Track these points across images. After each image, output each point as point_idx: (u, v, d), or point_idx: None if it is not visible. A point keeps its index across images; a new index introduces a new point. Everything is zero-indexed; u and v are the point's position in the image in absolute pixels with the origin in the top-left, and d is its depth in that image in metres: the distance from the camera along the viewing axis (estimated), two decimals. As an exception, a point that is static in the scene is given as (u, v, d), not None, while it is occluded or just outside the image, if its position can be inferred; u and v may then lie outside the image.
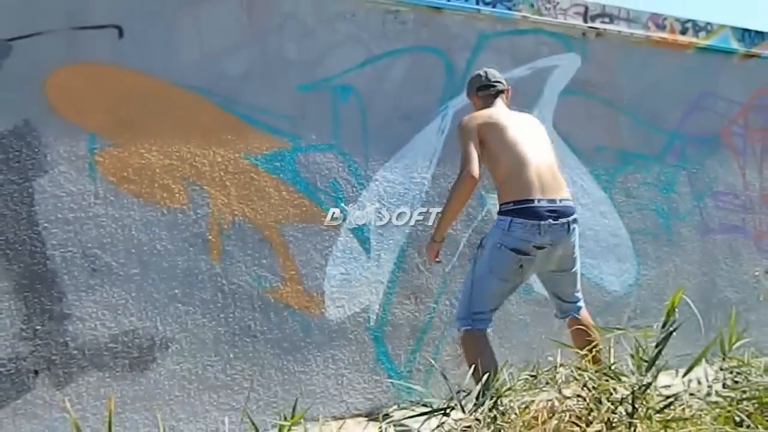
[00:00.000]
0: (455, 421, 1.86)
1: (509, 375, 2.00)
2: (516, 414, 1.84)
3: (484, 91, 2.76)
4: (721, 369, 2.15)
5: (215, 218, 2.69)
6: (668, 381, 1.95)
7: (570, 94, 3.47)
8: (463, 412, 1.86)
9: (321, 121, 2.90)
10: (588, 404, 1.83)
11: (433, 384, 3.00)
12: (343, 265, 2.90)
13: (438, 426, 1.89)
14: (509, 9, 3.32)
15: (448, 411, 1.92)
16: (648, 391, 1.82)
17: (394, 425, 2.25)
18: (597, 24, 3.57)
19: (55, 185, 2.45)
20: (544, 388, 1.93)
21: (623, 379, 1.91)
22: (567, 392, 1.88)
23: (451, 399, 1.93)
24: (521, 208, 2.49)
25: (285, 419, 1.88)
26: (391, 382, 2.92)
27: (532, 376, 2.04)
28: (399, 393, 2.94)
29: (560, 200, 2.55)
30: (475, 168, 2.51)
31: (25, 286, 2.38)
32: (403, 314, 3.00)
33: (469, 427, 1.82)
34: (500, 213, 2.56)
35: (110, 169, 2.53)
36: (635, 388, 1.81)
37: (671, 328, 1.92)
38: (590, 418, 1.79)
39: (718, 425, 1.72)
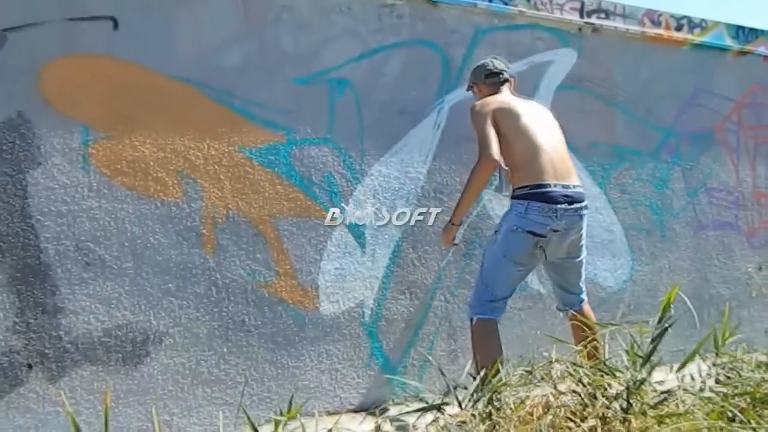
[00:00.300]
0: (451, 416, 1.87)
1: (505, 370, 2.00)
2: (511, 409, 1.85)
3: (491, 79, 2.81)
4: (714, 365, 2.16)
5: (209, 212, 2.68)
6: (662, 377, 1.96)
7: (565, 89, 3.47)
8: (460, 407, 1.86)
9: (317, 114, 2.89)
10: (583, 400, 1.83)
11: (428, 379, 3.01)
12: (338, 260, 2.89)
13: (433, 421, 1.89)
14: (506, 4, 3.31)
15: (443, 406, 1.92)
16: (642, 386, 1.83)
17: (390, 420, 2.26)
18: (593, 20, 3.57)
19: (49, 177, 2.43)
20: (539, 384, 1.94)
21: (618, 374, 1.92)
22: (562, 387, 1.88)
23: (447, 394, 1.93)
24: (537, 193, 2.52)
25: (280, 414, 1.88)
26: (386, 378, 2.92)
27: (527, 371, 2.05)
28: (393, 388, 2.94)
29: (573, 186, 2.61)
30: (495, 150, 2.54)
31: (18, 279, 2.36)
32: (398, 309, 3.00)
33: (464, 422, 1.82)
34: (515, 197, 2.58)
35: (104, 162, 2.51)
36: (630, 384, 1.81)
37: (666, 324, 1.93)
38: (585, 413, 1.80)
39: (711, 420, 1.73)
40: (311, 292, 2.83)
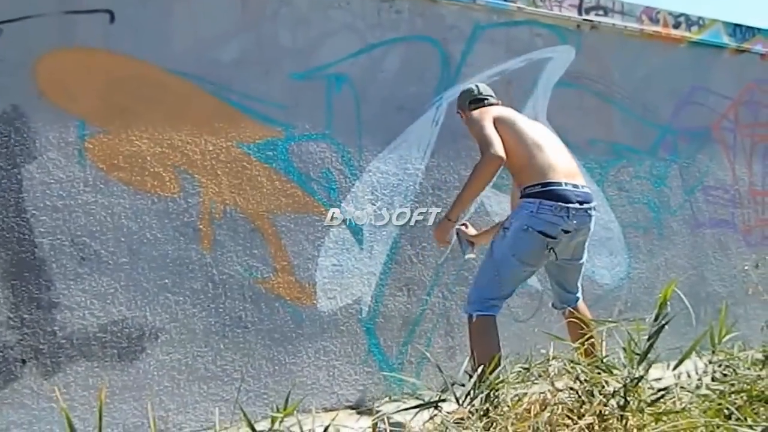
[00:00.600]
0: (448, 413, 1.86)
1: (502, 367, 2.00)
2: (509, 406, 1.85)
3: (476, 105, 2.74)
4: (710, 362, 2.16)
5: (206, 207, 2.66)
6: (659, 374, 1.96)
7: (564, 86, 3.47)
8: (458, 404, 1.86)
9: (315, 110, 2.88)
10: (580, 397, 1.83)
11: (425, 376, 3.01)
12: (336, 257, 2.88)
13: (430, 418, 1.89)
14: (505, 0, 3.30)
15: (440, 403, 1.91)
16: (640, 384, 1.83)
17: (387, 417, 2.25)
18: (591, 16, 3.56)
19: (44, 172, 2.41)
20: (536, 381, 1.94)
21: (615, 372, 1.92)
22: (559, 385, 1.88)
23: (445, 391, 1.92)
24: (549, 191, 2.46)
25: (277, 410, 1.87)
26: (383, 374, 2.92)
27: (524, 368, 2.04)
28: (390, 385, 2.94)
29: (582, 186, 2.55)
30: (500, 148, 2.46)
31: (13, 274, 2.35)
32: (396, 306, 3.00)
33: (461, 419, 1.82)
34: (526, 196, 2.50)
35: (100, 156, 2.50)
36: (627, 381, 1.81)
37: (663, 322, 1.93)
38: (582, 410, 1.80)
39: (708, 418, 1.73)
40: (309, 289, 2.82)
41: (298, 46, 2.86)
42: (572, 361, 1.99)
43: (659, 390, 1.85)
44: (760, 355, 2.19)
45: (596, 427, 1.75)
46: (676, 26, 3.84)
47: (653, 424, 1.74)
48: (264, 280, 2.74)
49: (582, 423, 1.74)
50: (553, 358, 2.02)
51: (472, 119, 2.63)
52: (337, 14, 2.94)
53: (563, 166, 2.56)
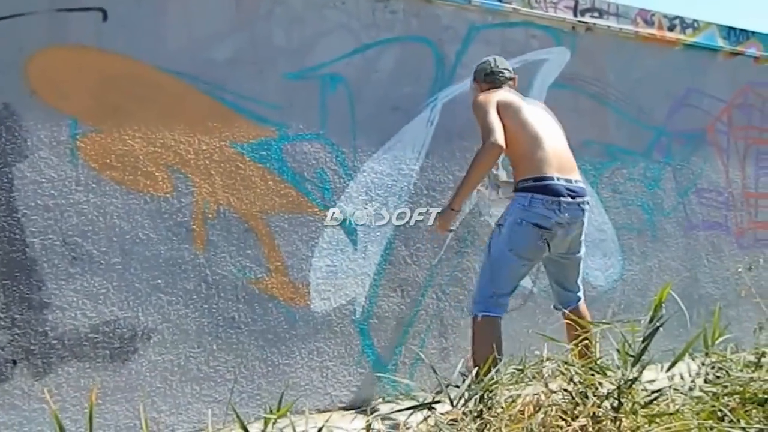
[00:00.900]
0: (442, 414, 1.86)
1: (496, 369, 2.00)
2: (502, 408, 1.84)
3: (492, 77, 2.81)
4: (704, 364, 2.17)
5: (199, 207, 2.65)
6: (652, 376, 1.96)
7: (559, 87, 3.47)
8: (452, 405, 1.85)
9: (309, 110, 2.87)
10: (574, 398, 1.83)
11: (418, 377, 3.00)
12: (330, 257, 2.87)
13: (424, 419, 1.88)
14: (500, 1, 3.30)
15: (434, 404, 1.91)
16: (633, 386, 1.83)
17: (381, 418, 2.24)
18: (587, 18, 3.57)
19: (36, 171, 2.39)
20: (530, 383, 1.93)
21: (609, 373, 1.92)
22: (553, 386, 1.88)
23: (439, 392, 1.92)
24: (541, 185, 2.52)
25: (270, 412, 1.86)
26: (377, 375, 2.91)
27: (518, 369, 2.04)
28: (384, 386, 2.93)
29: (575, 181, 2.61)
30: (501, 137, 2.51)
31: (4, 274, 2.32)
32: (389, 307, 2.99)
33: (455, 420, 1.81)
34: (519, 190, 2.57)
35: (92, 156, 2.48)
36: (621, 383, 1.81)
37: (658, 324, 1.93)
38: (576, 412, 1.79)
39: (701, 420, 1.73)
40: (302, 289, 2.81)
41: (293, 46, 2.85)
42: (566, 363, 1.99)
43: (653, 392, 1.85)
44: (752, 357, 2.20)
45: (590, 429, 1.74)
46: (671, 29, 3.85)
47: (647, 426, 1.74)
48: (257, 281, 2.73)
49: (576, 424, 1.74)
50: (547, 359, 2.01)
51: (477, 103, 2.66)
52: (331, 14, 2.94)
53: (559, 160, 2.60)
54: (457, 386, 1.95)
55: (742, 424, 1.71)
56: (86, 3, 2.47)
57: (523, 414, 1.81)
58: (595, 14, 3.60)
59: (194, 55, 2.65)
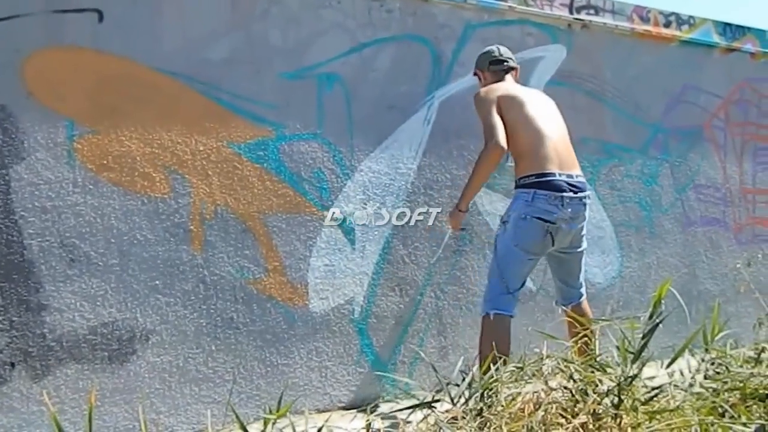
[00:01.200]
0: (442, 413, 1.85)
1: (496, 367, 1.99)
2: (502, 406, 1.84)
3: (496, 66, 2.83)
4: (703, 360, 2.17)
5: (197, 208, 2.64)
6: (652, 372, 1.96)
7: (555, 85, 3.47)
8: (452, 404, 1.85)
9: (306, 109, 2.86)
10: (574, 396, 1.83)
11: (417, 376, 3.00)
12: (328, 257, 2.87)
13: (424, 418, 1.88)
14: (496, -1, 3.30)
15: (434, 403, 1.91)
16: (633, 382, 1.83)
17: (381, 418, 2.24)
18: (583, 16, 3.57)
19: (33, 173, 2.38)
20: (530, 381, 1.93)
21: (609, 370, 1.92)
22: (553, 384, 1.88)
23: (439, 391, 1.91)
24: (543, 181, 2.54)
25: (270, 412, 1.85)
26: (376, 375, 2.90)
27: (518, 367, 2.04)
28: (383, 385, 2.93)
29: (576, 176, 2.63)
30: (502, 138, 2.54)
31: (1, 276, 2.32)
32: (388, 306, 2.98)
33: (455, 419, 1.81)
34: (521, 186, 2.59)
35: (89, 157, 2.47)
36: (621, 380, 1.81)
37: (657, 320, 1.93)
38: (576, 409, 1.79)
39: (702, 416, 1.73)
40: (300, 289, 2.81)
41: (289, 46, 2.85)
42: (566, 360, 1.99)
43: (653, 389, 1.85)
44: (752, 353, 2.20)
45: (590, 426, 1.74)
46: (667, 25, 3.86)
47: (647, 422, 1.74)
48: (255, 281, 2.73)
49: (576, 422, 1.73)
50: (547, 357, 2.01)
51: (479, 99, 2.68)
52: (327, 13, 2.93)
53: (560, 156, 2.62)
54: (457, 385, 1.95)
55: (743, 419, 1.71)
56: (82, 4, 2.47)
57: (524, 412, 1.80)
58: (591, 11, 3.60)
59: (190, 56, 2.65)
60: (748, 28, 4.17)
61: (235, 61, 2.73)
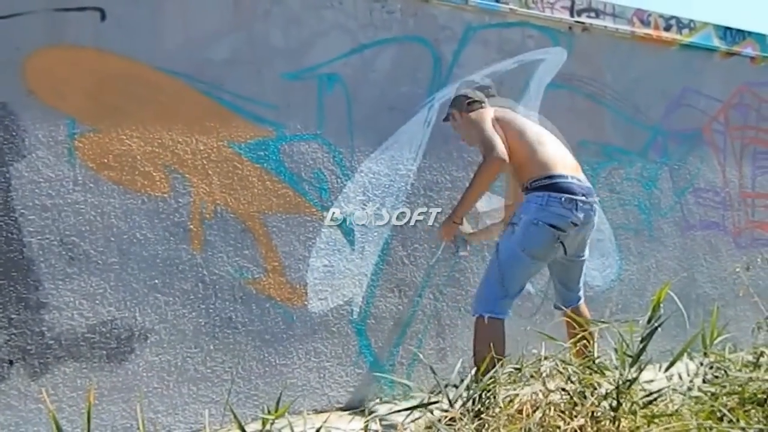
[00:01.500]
0: (440, 414, 1.86)
1: (495, 370, 1.99)
2: (500, 407, 1.84)
3: (473, 105, 2.78)
4: (702, 364, 2.17)
5: (197, 207, 2.64)
6: (650, 376, 1.96)
7: (555, 88, 3.47)
8: (450, 405, 1.85)
9: (306, 110, 2.86)
10: (572, 398, 1.83)
11: (416, 377, 3.00)
12: (327, 257, 2.87)
13: (422, 420, 1.88)
14: (497, 1, 3.30)
15: (431, 405, 1.91)
16: (632, 386, 1.83)
17: (379, 419, 2.24)
18: (583, 18, 3.57)
19: (33, 171, 2.38)
20: (528, 383, 1.93)
21: (607, 373, 1.92)
22: (551, 386, 1.88)
23: (438, 393, 1.91)
24: (555, 183, 2.47)
25: (268, 412, 1.86)
26: (374, 376, 2.90)
27: (516, 369, 2.04)
28: (381, 386, 2.93)
29: (584, 181, 2.58)
30: (503, 150, 2.48)
31: (1, 273, 2.31)
32: (387, 307, 2.98)
33: (453, 420, 1.81)
34: (533, 189, 2.51)
35: (90, 155, 2.47)
36: (620, 383, 1.81)
37: (656, 324, 1.93)
38: (574, 412, 1.79)
39: (700, 420, 1.73)
40: (299, 289, 2.81)
41: (290, 46, 2.85)
42: (564, 362, 1.99)
43: (652, 392, 1.85)
44: (751, 357, 2.20)
45: (589, 429, 1.75)
46: (667, 29, 3.86)
47: (646, 426, 1.74)
48: (255, 281, 2.73)
49: (574, 424, 1.73)
50: (545, 358, 2.01)
51: (471, 121, 2.65)
52: (329, 14, 2.93)
53: (566, 160, 2.59)
54: (455, 386, 1.95)
55: (741, 424, 1.71)
56: (84, 3, 2.47)
57: (522, 413, 1.80)
58: (592, 14, 3.61)
59: (192, 55, 2.65)
60: (748, 33, 4.18)
61: (236, 61, 2.73)
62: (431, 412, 1.89)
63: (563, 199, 2.44)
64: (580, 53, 3.56)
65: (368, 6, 3.01)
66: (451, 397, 1.88)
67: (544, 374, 1.93)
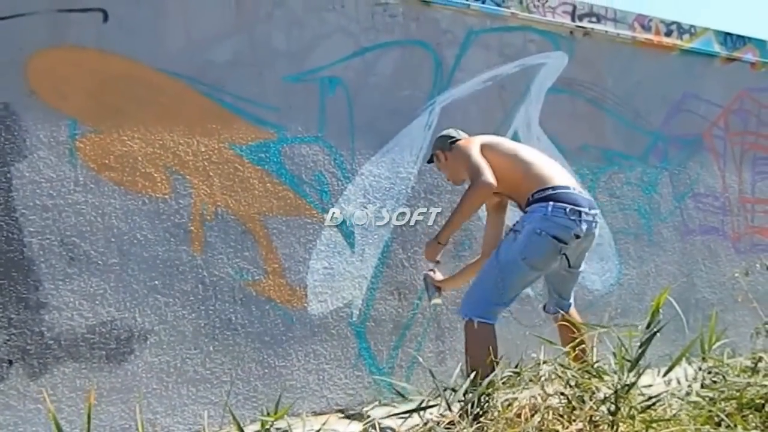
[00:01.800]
0: (439, 418, 1.86)
1: (495, 373, 2.00)
2: (499, 411, 1.84)
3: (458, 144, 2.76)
4: (700, 369, 2.17)
5: (197, 209, 2.65)
6: (649, 380, 1.96)
7: (556, 92, 3.48)
8: (449, 409, 1.85)
9: (307, 112, 2.87)
10: (570, 402, 1.83)
11: (415, 380, 3.00)
12: (327, 260, 2.87)
13: (421, 422, 1.88)
14: (498, 5, 3.31)
15: (431, 408, 1.91)
16: (631, 390, 1.83)
17: (377, 421, 2.24)
18: (584, 23, 3.58)
19: (34, 171, 2.39)
20: (527, 386, 1.93)
21: (606, 378, 1.92)
22: (550, 390, 1.88)
23: (437, 396, 1.92)
24: (559, 194, 2.41)
25: (267, 414, 1.86)
26: (373, 378, 2.90)
27: (515, 372, 2.04)
28: (380, 389, 2.93)
29: (584, 193, 2.53)
30: (491, 175, 2.43)
31: (1, 273, 2.32)
32: (386, 310, 2.99)
33: (452, 423, 1.82)
34: (536, 201, 2.44)
35: (91, 156, 2.48)
36: (618, 388, 1.81)
37: (655, 329, 1.93)
38: (573, 416, 1.80)
39: (698, 425, 1.74)
40: (299, 291, 2.81)
41: (292, 49, 2.86)
42: (563, 366, 1.99)
43: (650, 397, 1.85)
44: (749, 362, 2.20)
45: (587, 434, 1.75)
46: (668, 34, 3.87)
47: (644, 431, 1.74)
48: (254, 283, 2.73)
49: (573, 428, 1.74)
50: (544, 362, 2.02)
51: (458, 149, 2.61)
52: (331, 17, 2.94)
53: (564, 174, 2.55)
54: (454, 390, 1.95)
55: (739, 429, 1.72)
56: (86, 4, 2.48)
57: (520, 417, 1.81)
58: (593, 19, 3.62)
59: (194, 57, 2.66)
60: (749, 38, 4.19)
61: (238, 63, 2.74)
62: (430, 416, 1.89)
63: (568, 209, 2.37)
64: (581, 58, 3.57)
65: (370, 9, 3.02)
66: (449, 401, 1.89)
67: (542, 378, 1.93)
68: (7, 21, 2.35)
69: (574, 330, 2.43)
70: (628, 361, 1.90)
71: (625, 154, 3.70)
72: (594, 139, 3.59)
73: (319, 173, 2.89)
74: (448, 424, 1.83)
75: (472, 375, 1.99)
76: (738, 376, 2.08)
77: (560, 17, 3.50)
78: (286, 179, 2.82)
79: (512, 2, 3.36)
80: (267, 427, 1.85)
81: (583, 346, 2.33)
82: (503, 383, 1.98)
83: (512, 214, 2.78)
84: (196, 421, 2.57)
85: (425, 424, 1.88)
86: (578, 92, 3.57)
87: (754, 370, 2.11)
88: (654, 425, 1.74)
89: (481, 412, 1.86)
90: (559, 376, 1.95)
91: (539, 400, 1.85)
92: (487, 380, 1.92)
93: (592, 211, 2.46)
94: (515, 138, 3.29)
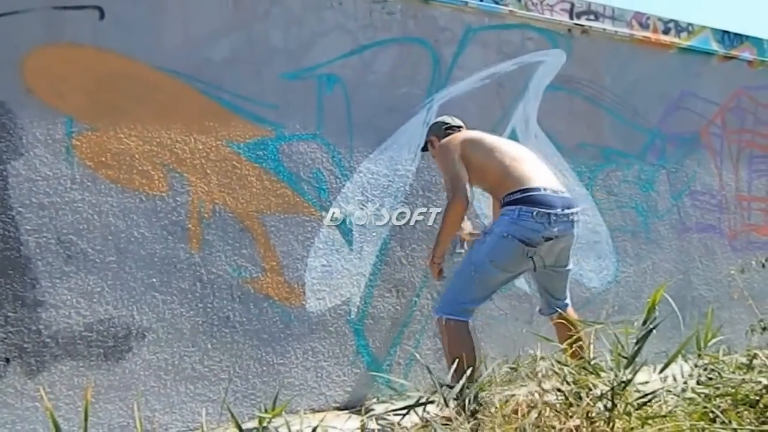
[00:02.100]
0: (436, 414, 1.86)
1: (491, 369, 2.00)
2: (496, 407, 1.85)
3: (450, 131, 2.78)
4: (696, 366, 2.18)
5: (195, 206, 2.65)
6: (645, 377, 1.97)
7: (554, 89, 3.48)
8: (446, 405, 1.85)
9: (305, 110, 2.87)
10: (567, 399, 1.84)
11: (413, 377, 3.01)
12: (325, 257, 2.88)
13: (419, 420, 1.89)
14: (496, 3, 3.31)
15: (427, 404, 1.91)
16: (627, 387, 1.84)
17: (375, 418, 2.24)
18: (582, 21, 3.58)
19: (31, 169, 2.38)
20: (524, 383, 1.94)
21: (602, 374, 1.92)
22: (547, 386, 1.89)
23: (434, 393, 1.92)
24: (529, 196, 2.43)
25: (265, 411, 1.86)
26: (371, 375, 2.91)
27: (512, 369, 2.05)
28: (378, 386, 2.93)
29: (562, 192, 2.53)
30: (467, 192, 2.50)
31: (-2, 271, 2.32)
32: (385, 307, 2.99)
33: (449, 420, 1.82)
34: (506, 204, 2.49)
35: (88, 154, 2.48)
36: (615, 384, 1.82)
37: (651, 326, 1.94)
38: (570, 412, 1.80)
39: (693, 421, 1.74)
40: (297, 289, 2.81)
41: (290, 46, 2.85)
42: (560, 363, 2.00)
43: (646, 393, 1.86)
44: (744, 359, 2.21)
45: (584, 429, 1.75)
46: (666, 32, 3.87)
47: (640, 427, 1.75)
48: (252, 280, 2.73)
49: (570, 424, 1.74)
50: (541, 358, 2.02)
51: (442, 148, 2.66)
52: (328, 14, 2.94)
53: (541, 174, 2.55)
54: (451, 386, 1.96)
55: (734, 425, 1.72)
56: (83, 1, 2.47)
57: (517, 414, 1.81)
58: (591, 17, 3.62)
59: (191, 55, 2.65)
60: (746, 37, 4.20)
61: (235, 61, 2.74)
62: (427, 412, 1.90)
63: (535, 213, 2.40)
64: (579, 56, 3.58)
65: (368, 7, 3.02)
66: (446, 397, 1.89)
67: (539, 375, 1.94)
68: (2, 18, 2.35)
69: (571, 328, 2.44)
70: (625, 357, 1.91)
71: (623, 151, 3.70)
72: (592, 137, 3.60)
73: (317, 171, 2.89)
74: (445, 420, 1.84)
75: (469, 371, 1.99)
76: (733, 372, 2.09)
77: (558, 15, 3.50)
78: (284, 177, 2.82)
79: (510, 0, 3.36)
80: (265, 424, 1.85)
81: (580, 343, 2.34)
82: (500, 380, 1.98)
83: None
84: (194, 418, 2.58)
85: (423, 420, 1.89)
86: (576, 90, 3.57)
87: (749, 367, 2.12)
88: (650, 421, 1.75)
89: (478, 408, 1.87)
90: (556, 373, 1.96)
91: (536, 396, 1.85)
92: (483, 376, 1.92)
93: (568, 211, 2.47)
94: (513, 136, 3.30)
